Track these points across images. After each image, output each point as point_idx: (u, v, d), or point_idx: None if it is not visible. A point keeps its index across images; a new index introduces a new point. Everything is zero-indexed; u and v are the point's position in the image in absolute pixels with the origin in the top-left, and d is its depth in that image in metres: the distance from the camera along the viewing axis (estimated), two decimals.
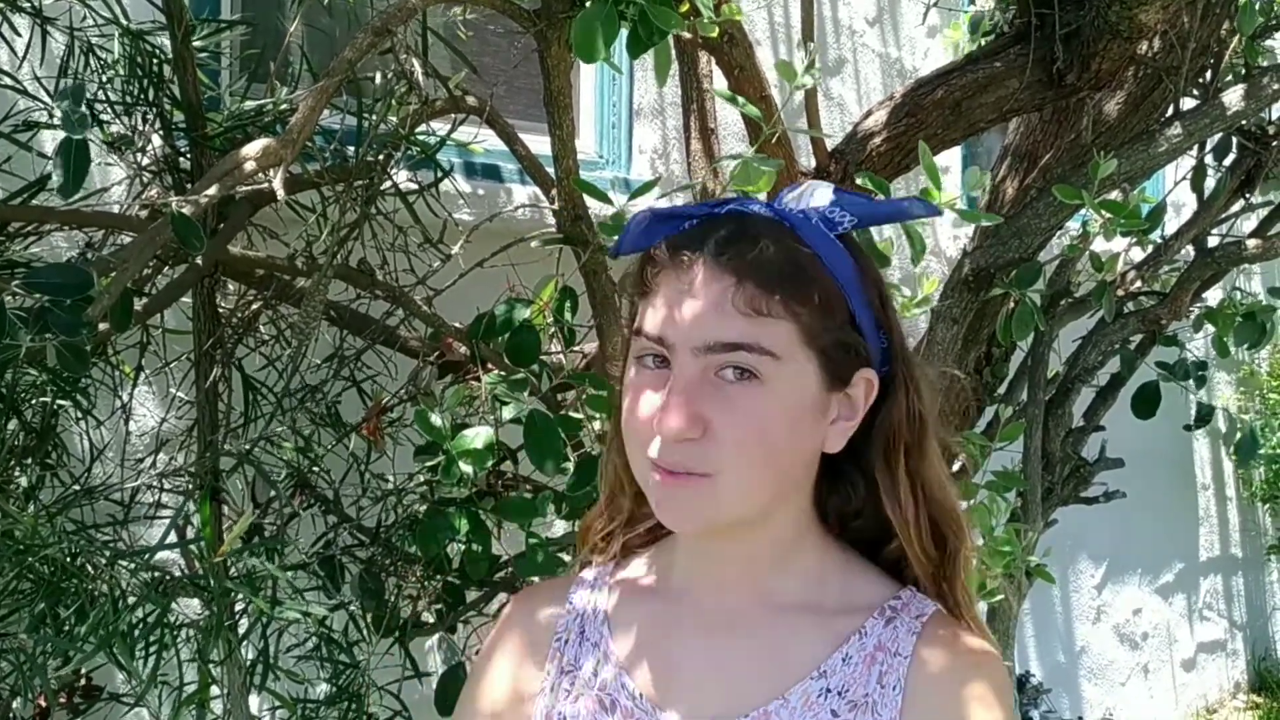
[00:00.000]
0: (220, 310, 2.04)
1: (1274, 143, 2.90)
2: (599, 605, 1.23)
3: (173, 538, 1.89)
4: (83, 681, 2.48)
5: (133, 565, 1.60)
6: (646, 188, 2.02)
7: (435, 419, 1.90)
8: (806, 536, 1.18)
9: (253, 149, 1.44)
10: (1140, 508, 5.26)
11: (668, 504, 1.07)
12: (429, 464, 1.96)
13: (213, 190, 1.42)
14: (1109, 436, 3.01)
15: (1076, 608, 5.36)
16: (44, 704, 2.43)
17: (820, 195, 1.12)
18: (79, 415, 1.94)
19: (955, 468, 2.82)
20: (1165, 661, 5.81)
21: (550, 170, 2.11)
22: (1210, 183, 2.98)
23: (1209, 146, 2.98)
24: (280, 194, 1.42)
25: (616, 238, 1.61)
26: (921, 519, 1.15)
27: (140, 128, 1.82)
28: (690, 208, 1.14)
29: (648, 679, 1.15)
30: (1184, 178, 3.05)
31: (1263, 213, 3.13)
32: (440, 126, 2.19)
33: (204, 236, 1.42)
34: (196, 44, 1.97)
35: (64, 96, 1.35)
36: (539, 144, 2.21)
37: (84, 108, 1.32)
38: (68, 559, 1.52)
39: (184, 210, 1.38)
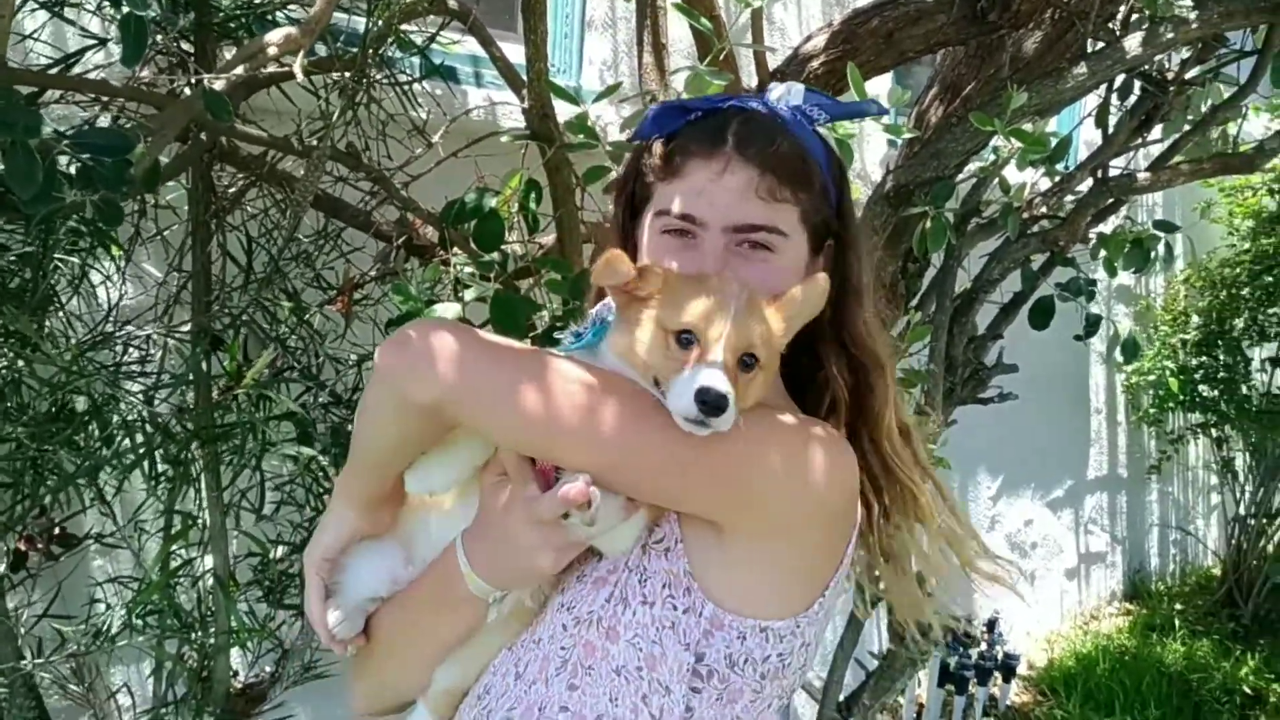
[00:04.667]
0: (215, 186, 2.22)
1: (1171, 87, 3.19)
2: None
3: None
4: (56, 530, 2.65)
5: (140, 398, 1.81)
6: (609, 91, 2.24)
7: (413, 290, 2.12)
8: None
9: (276, 36, 1.63)
10: (1037, 427, 5.68)
11: None
12: None
13: (239, 70, 1.62)
14: (1018, 362, 3.31)
15: (974, 516, 5.76)
16: (23, 547, 2.60)
17: (796, 94, 1.44)
18: (77, 275, 2.12)
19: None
20: (1051, 570, 6.26)
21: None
22: (1114, 121, 3.26)
23: (1115, 87, 3.26)
24: (300, 76, 1.62)
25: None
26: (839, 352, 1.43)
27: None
28: (694, 101, 1.40)
29: None
30: (1089, 114, 3.32)
31: (1157, 150, 3.42)
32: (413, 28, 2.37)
33: (231, 110, 1.61)
34: None
35: None
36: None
37: None
38: (95, 393, 1.72)
39: (215, 85, 1.57)
